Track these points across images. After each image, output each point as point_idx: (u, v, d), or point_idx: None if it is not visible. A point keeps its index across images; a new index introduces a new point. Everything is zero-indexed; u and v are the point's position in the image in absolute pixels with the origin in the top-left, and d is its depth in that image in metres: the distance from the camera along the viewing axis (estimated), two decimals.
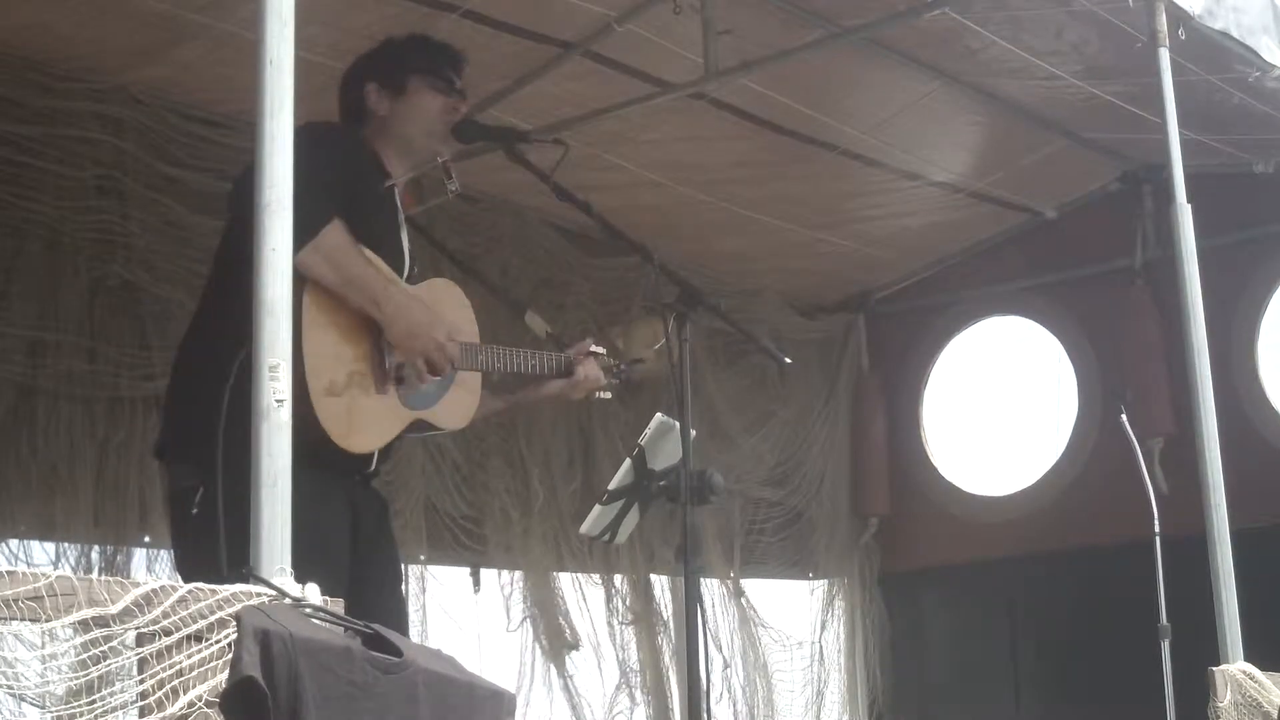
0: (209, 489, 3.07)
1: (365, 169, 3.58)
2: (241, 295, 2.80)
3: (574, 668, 6.41)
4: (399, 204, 3.73)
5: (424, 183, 4.14)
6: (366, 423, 3.44)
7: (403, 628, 3.66)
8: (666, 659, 6.78)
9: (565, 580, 6.50)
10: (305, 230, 3.14)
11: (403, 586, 3.82)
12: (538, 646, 6.29)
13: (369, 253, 3.43)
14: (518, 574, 6.31)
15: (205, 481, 3.12)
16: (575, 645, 6.41)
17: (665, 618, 6.84)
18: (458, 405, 3.68)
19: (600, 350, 3.91)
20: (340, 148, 3.50)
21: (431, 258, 5.62)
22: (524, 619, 6.25)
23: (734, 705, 7.12)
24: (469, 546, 6.17)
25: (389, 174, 3.69)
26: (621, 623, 6.68)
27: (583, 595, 6.56)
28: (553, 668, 6.32)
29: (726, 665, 7.07)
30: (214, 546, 2.92)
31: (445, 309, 3.65)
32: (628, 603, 6.73)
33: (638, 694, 6.67)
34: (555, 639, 6.34)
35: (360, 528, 3.55)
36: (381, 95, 3.71)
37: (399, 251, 3.66)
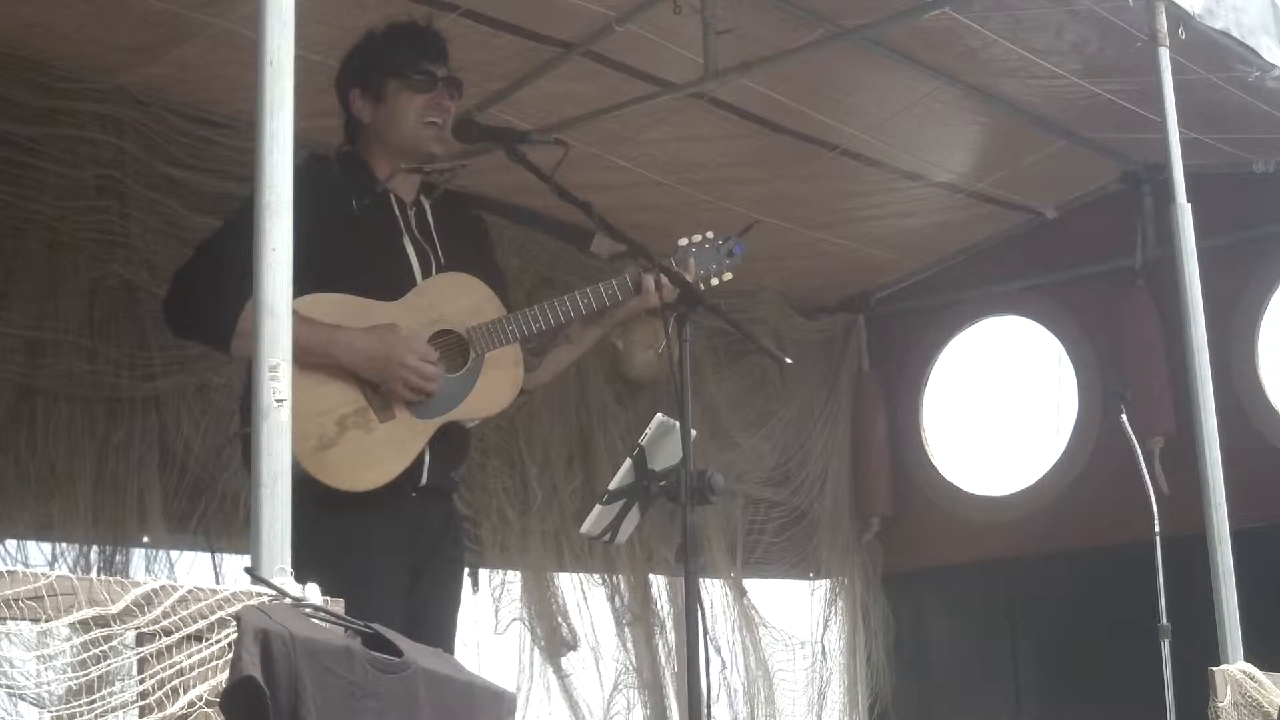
0: None
1: (325, 201, 3.42)
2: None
3: (571, 668, 6.41)
4: (399, 211, 3.71)
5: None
6: (376, 456, 3.45)
7: (448, 640, 3.65)
8: (664, 659, 6.78)
9: (565, 580, 6.50)
10: (231, 318, 3.26)
11: (456, 607, 3.78)
12: (535, 647, 6.28)
13: (324, 301, 3.39)
14: (509, 575, 6.30)
15: None
16: (573, 646, 6.41)
17: (664, 618, 6.84)
18: (494, 388, 3.67)
19: (691, 240, 3.75)
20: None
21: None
22: (511, 621, 6.24)
23: (734, 706, 7.11)
24: (468, 547, 6.15)
25: (377, 182, 3.67)
26: (621, 623, 6.68)
27: (583, 595, 6.56)
28: (550, 668, 6.32)
29: (724, 667, 7.06)
30: None
31: (449, 303, 3.63)
32: (627, 603, 6.72)
33: (636, 695, 6.67)
34: (552, 639, 6.34)
35: (416, 543, 3.57)
36: (364, 102, 3.71)
37: (400, 260, 3.63)
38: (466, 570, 6.18)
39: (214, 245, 3.51)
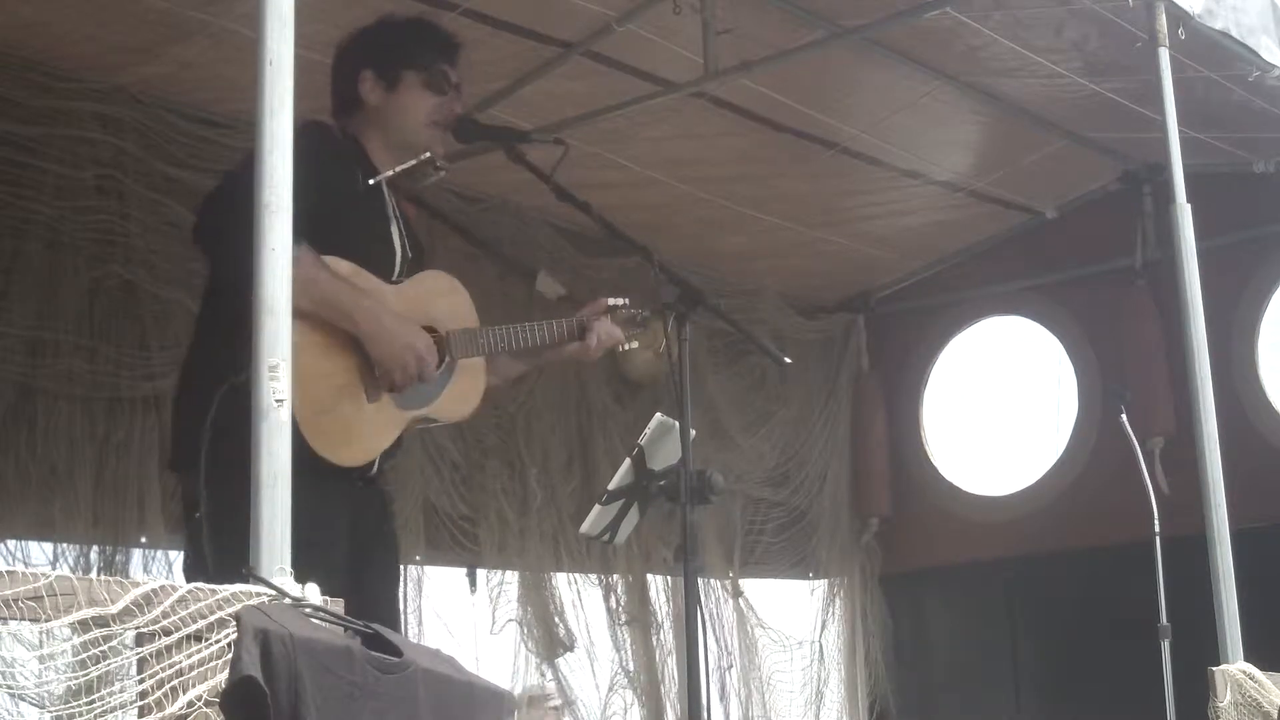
0: (212, 499, 3.08)
1: (340, 170, 3.52)
2: (226, 324, 2.82)
3: (569, 669, 6.41)
4: (388, 197, 3.71)
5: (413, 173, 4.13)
6: (359, 434, 3.44)
7: (394, 629, 3.65)
8: (661, 659, 6.78)
9: (561, 580, 6.50)
10: None
11: (399, 588, 3.80)
12: (528, 648, 6.28)
13: (341, 264, 3.40)
14: (506, 575, 6.30)
15: (208, 492, 3.13)
16: (570, 646, 6.40)
17: (661, 618, 6.84)
18: (462, 394, 3.67)
19: (618, 303, 3.82)
20: (309, 155, 2.97)
21: (442, 235, 5.64)
22: (507, 622, 6.24)
23: (731, 706, 7.11)
24: (466, 547, 6.17)
25: (375, 167, 3.67)
26: (618, 623, 6.68)
27: (578, 596, 6.55)
28: (546, 669, 6.32)
29: (731, 665, 7.06)
30: (212, 552, 2.95)
31: (435, 302, 3.63)
32: (624, 603, 6.72)
33: (632, 695, 6.67)
34: (548, 640, 6.33)
35: (359, 528, 3.55)
36: (375, 85, 3.67)
37: (388, 247, 3.63)
38: (465, 570, 6.25)
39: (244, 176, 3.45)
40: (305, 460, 3.26)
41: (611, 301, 3.82)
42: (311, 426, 3.27)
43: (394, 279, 3.61)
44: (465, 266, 5.80)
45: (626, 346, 3.88)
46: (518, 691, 6.30)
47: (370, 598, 3.47)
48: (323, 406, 3.33)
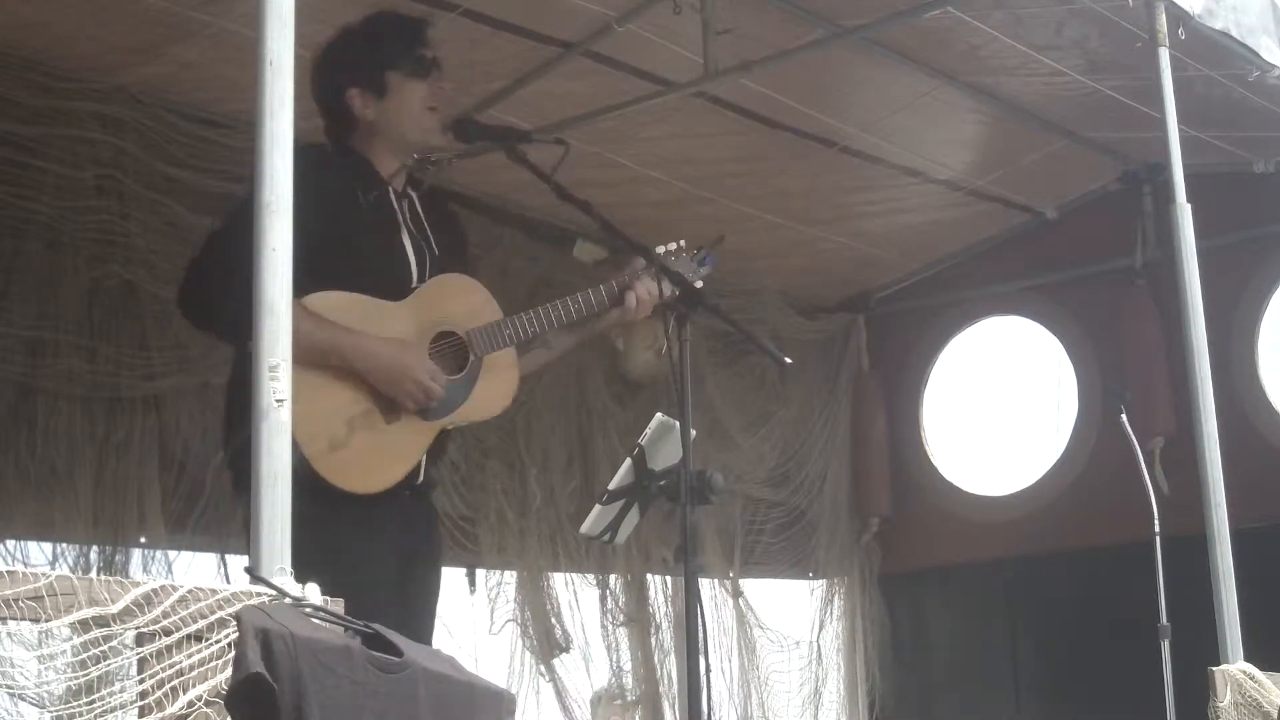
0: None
1: (336, 193, 3.49)
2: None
3: (564, 670, 6.40)
4: (396, 205, 3.71)
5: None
6: (383, 458, 3.46)
7: (426, 637, 3.66)
8: (660, 660, 6.77)
9: (559, 581, 6.49)
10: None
11: (438, 601, 3.79)
12: (526, 649, 6.28)
13: (335, 299, 3.40)
14: (505, 575, 6.30)
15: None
16: (565, 647, 6.40)
17: (659, 619, 6.83)
18: (493, 390, 3.67)
19: (669, 247, 3.72)
20: (301, 187, 2.73)
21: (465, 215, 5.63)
22: (506, 622, 6.24)
23: (729, 706, 7.11)
24: (466, 547, 6.16)
25: (381, 178, 3.67)
26: (615, 624, 6.68)
27: (575, 596, 6.55)
28: (542, 670, 6.31)
29: (708, 670, 7.03)
30: None
31: (449, 304, 3.64)
32: (621, 604, 6.72)
33: (629, 695, 6.67)
34: (545, 641, 6.33)
35: (406, 540, 3.57)
36: (366, 99, 3.67)
37: (401, 258, 3.64)
38: (464, 570, 6.25)
39: (227, 238, 3.44)
40: (344, 493, 3.31)
41: (662, 248, 3.73)
42: (325, 463, 3.29)
43: (414, 286, 3.61)
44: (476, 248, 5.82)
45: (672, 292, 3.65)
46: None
47: (410, 612, 3.48)
48: (336, 441, 3.35)
